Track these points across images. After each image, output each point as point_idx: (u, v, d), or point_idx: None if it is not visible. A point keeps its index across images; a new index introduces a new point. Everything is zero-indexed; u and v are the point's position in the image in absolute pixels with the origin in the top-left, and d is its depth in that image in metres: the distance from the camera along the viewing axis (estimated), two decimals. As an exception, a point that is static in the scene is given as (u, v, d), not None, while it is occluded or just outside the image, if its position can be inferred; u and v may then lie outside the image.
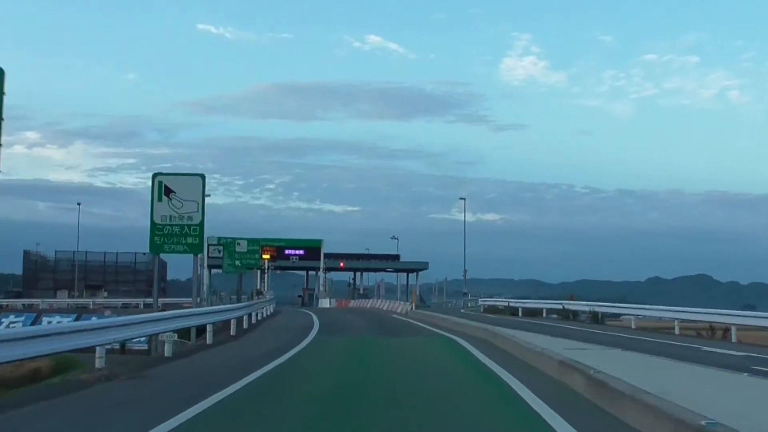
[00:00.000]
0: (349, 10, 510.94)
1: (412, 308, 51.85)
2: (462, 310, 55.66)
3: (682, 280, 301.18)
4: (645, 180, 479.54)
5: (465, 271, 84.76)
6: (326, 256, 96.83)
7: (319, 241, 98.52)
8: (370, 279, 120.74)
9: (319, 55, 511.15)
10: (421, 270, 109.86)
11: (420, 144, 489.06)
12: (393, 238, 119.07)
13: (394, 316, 49.21)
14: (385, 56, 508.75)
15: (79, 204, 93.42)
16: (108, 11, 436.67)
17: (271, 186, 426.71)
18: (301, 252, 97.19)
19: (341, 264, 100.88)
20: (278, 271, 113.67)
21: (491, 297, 67.42)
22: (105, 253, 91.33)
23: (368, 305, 68.17)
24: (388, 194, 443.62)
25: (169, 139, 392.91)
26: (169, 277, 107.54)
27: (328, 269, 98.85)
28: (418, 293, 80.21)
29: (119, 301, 72.66)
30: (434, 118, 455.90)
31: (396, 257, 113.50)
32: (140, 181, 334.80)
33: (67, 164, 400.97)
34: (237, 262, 58.53)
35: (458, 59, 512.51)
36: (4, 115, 12.55)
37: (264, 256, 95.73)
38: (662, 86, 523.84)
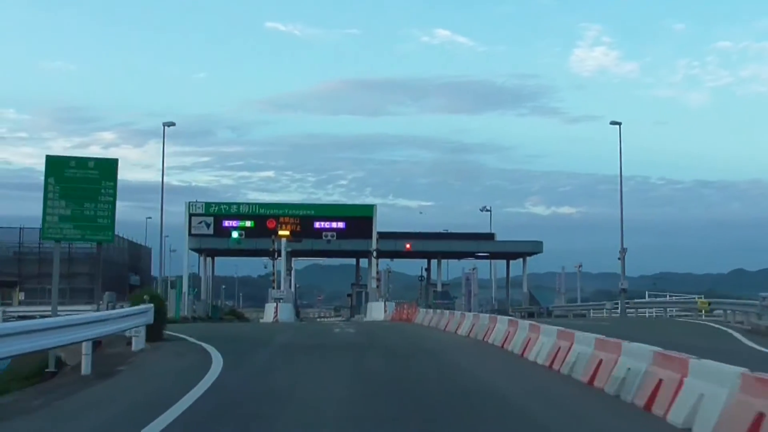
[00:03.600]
0: (416, 4, 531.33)
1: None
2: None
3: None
4: (723, 170, 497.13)
5: (623, 250, 48.36)
6: (384, 235, 68.69)
7: (371, 208, 61.80)
8: (452, 270, 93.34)
9: (388, 50, 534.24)
10: (532, 254, 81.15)
11: (492, 137, 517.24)
12: (484, 209, 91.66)
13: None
14: (454, 50, 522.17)
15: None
16: (178, 12, 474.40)
17: (344, 182, 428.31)
18: (341, 225, 61.48)
19: (407, 246, 63.89)
20: (307, 259, 78.91)
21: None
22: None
23: (455, 325, 29.59)
24: (461, 188, 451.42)
25: (241, 137, 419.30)
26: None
27: (385, 255, 62.62)
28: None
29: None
30: (505, 111, 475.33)
31: (490, 236, 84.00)
32: (214, 179, 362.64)
33: (142, 163, 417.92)
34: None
35: (528, 51, 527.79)
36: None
37: (281, 233, 59.02)
38: (738, 74, 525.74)
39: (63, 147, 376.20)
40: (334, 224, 67.25)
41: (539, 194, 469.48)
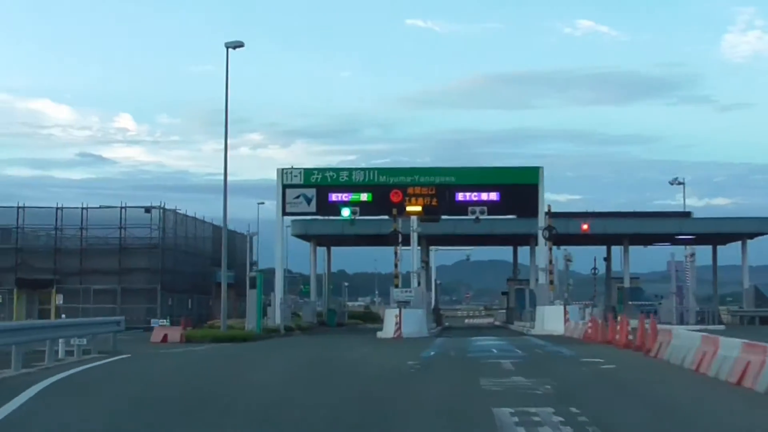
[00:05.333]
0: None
1: None
2: None
3: None
4: None
5: None
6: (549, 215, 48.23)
7: (535, 171, 42.40)
8: (640, 259, 74.15)
9: (530, 43, 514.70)
10: (755, 236, 61.45)
11: (639, 128, 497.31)
12: (675, 182, 71.91)
13: None
14: (597, 40, 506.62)
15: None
16: (320, 12, 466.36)
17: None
18: (493, 196, 41.92)
19: (583, 226, 43.53)
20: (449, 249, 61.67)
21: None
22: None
23: None
24: (609, 181, 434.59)
25: (387, 135, 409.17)
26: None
27: (560, 241, 48.93)
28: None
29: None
30: (652, 101, 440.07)
31: (685, 215, 65.80)
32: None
33: (289, 163, 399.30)
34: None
35: (674, 39, 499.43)
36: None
37: (410, 209, 47.26)
38: None
39: (213, 149, 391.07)
40: (483, 195, 47.91)
41: (691, 185, 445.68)
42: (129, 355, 22.44)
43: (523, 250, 68.26)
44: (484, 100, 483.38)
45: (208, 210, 59.24)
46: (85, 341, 20.68)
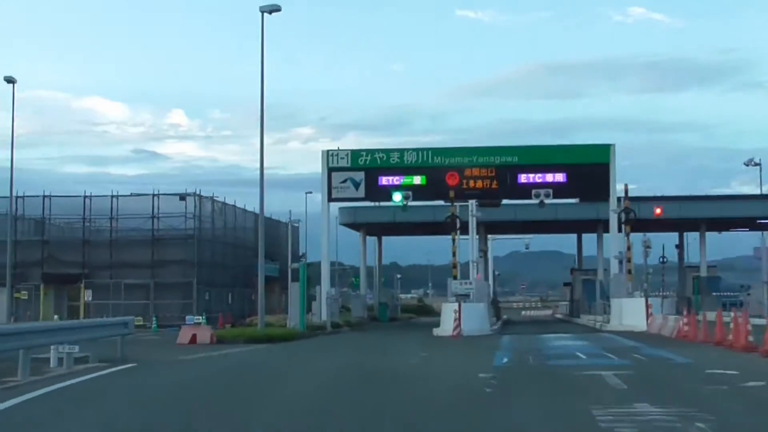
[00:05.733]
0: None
1: None
2: None
3: None
4: None
5: None
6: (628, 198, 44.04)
7: (606, 150, 37.52)
8: (716, 245, 69.72)
9: (581, 31, 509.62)
10: None
11: (693, 116, 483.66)
12: (751, 163, 68.25)
13: None
14: (650, 27, 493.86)
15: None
16: (372, 6, 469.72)
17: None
18: (560, 177, 37.22)
19: (657, 210, 38.41)
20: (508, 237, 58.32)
21: None
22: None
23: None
24: (663, 170, 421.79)
25: (437, 126, 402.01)
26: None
27: (638, 228, 41.36)
28: None
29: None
30: (707, 88, 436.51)
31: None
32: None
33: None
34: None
35: (730, 24, 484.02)
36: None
37: (468, 193, 43.75)
38: None
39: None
40: (549, 176, 43.29)
41: (749, 173, 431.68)
42: (134, 365, 18.38)
43: (588, 238, 63.67)
44: (535, 90, 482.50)
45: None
46: (77, 348, 16.82)
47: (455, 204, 39.26)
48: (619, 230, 41.13)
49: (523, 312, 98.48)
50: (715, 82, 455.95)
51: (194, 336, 29.40)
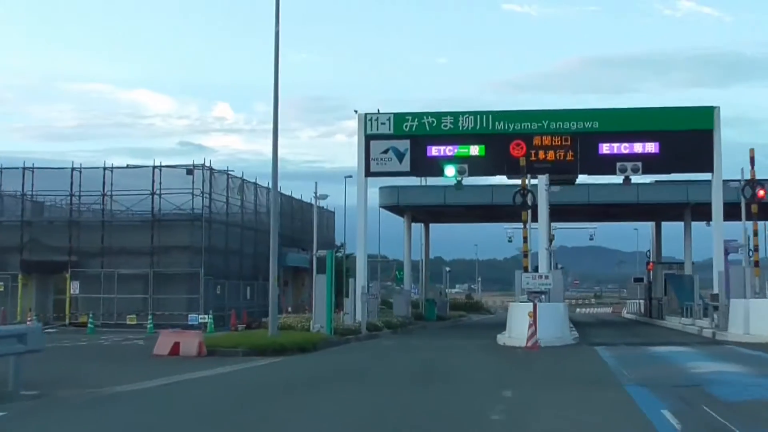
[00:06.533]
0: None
1: None
2: None
3: None
4: None
5: None
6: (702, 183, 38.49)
7: (710, 111, 28.24)
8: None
9: (628, 25, 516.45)
10: None
11: (742, 110, 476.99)
12: None
13: None
14: (699, 21, 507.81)
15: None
16: (415, 1, 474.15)
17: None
18: (651, 147, 28.34)
19: (760, 191, 29.30)
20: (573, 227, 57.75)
21: None
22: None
23: None
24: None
25: None
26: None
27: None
28: None
29: None
30: (757, 83, 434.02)
31: None
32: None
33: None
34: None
35: None
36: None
37: (537, 166, 36.28)
38: None
39: (309, 136, 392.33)
40: (637, 146, 35.02)
41: None
42: (19, 404, 10.75)
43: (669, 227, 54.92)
44: (582, 84, 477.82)
45: (305, 198, 48.08)
46: None
47: (527, 176, 31.09)
48: (736, 212, 32.61)
49: (578, 309, 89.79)
50: (765, 77, 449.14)
51: (176, 345, 21.56)
